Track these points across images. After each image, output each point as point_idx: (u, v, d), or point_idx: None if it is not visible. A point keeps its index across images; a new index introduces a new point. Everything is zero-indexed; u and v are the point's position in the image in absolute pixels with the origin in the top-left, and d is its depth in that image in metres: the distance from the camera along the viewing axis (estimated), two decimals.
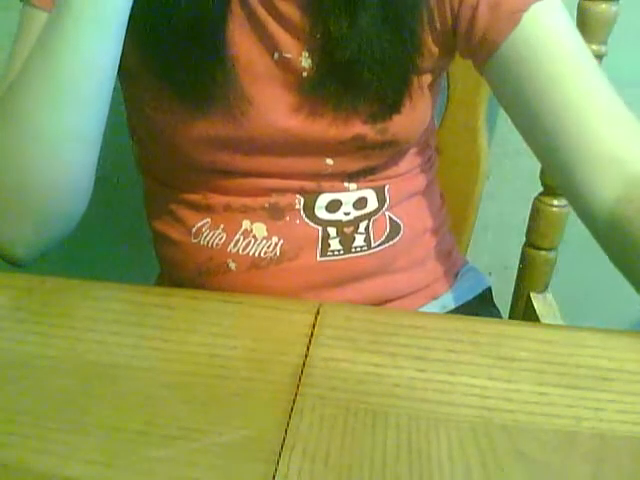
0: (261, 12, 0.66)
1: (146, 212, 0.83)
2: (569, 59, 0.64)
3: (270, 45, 0.67)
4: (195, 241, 0.75)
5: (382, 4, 0.64)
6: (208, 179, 0.73)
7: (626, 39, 0.95)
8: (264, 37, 0.67)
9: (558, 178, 0.69)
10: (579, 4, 0.81)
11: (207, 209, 0.74)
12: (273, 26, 0.66)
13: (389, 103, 0.68)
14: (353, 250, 0.75)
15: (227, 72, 0.66)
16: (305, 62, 0.67)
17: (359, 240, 0.75)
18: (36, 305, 0.60)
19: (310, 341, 0.56)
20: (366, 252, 0.76)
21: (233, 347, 0.55)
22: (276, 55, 0.67)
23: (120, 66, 0.64)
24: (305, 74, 0.67)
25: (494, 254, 1.24)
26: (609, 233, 0.64)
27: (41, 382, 0.51)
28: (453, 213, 0.90)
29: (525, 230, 0.97)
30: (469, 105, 0.96)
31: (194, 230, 0.75)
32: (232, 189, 0.73)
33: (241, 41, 0.66)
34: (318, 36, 0.65)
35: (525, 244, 0.97)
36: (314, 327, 0.58)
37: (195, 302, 0.62)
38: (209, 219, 0.75)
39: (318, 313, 0.59)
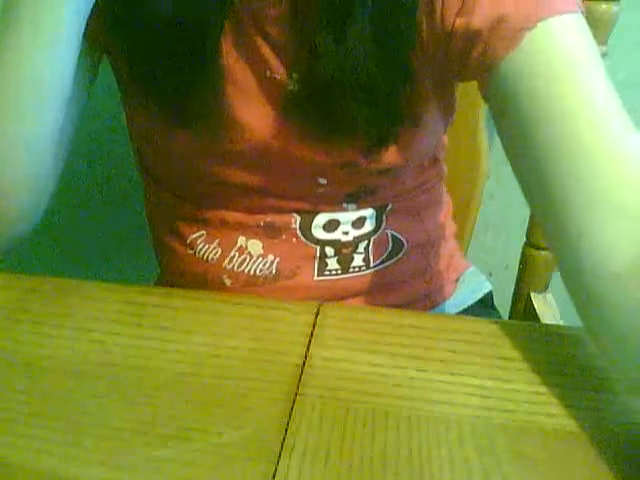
0: (253, 34, 0.64)
1: (146, 215, 0.83)
2: (574, 90, 0.53)
3: (261, 65, 0.65)
4: (191, 252, 0.75)
5: (372, 22, 0.58)
6: (201, 189, 0.72)
7: (627, 39, 0.95)
8: (256, 58, 0.64)
9: (554, 231, 0.55)
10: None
11: (203, 222, 0.74)
12: (265, 48, 0.64)
13: (379, 135, 0.65)
14: (351, 270, 0.75)
15: (216, 88, 0.64)
16: (294, 85, 0.64)
17: (358, 260, 0.75)
18: (37, 305, 0.60)
19: (310, 341, 0.56)
20: (365, 272, 0.75)
21: (233, 347, 0.55)
22: (268, 72, 0.64)
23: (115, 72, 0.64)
24: (292, 97, 0.65)
25: (494, 254, 1.24)
26: (619, 302, 0.48)
27: (42, 382, 0.51)
28: (454, 213, 0.90)
29: (525, 230, 0.97)
30: (469, 105, 0.96)
31: (189, 241, 0.75)
32: (226, 203, 0.72)
33: (233, 60, 0.64)
34: (306, 57, 0.61)
35: (525, 244, 0.97)
36: (314, 327, 0.58)
37: (195, 302, 0.62)
38: (204, 232, 0.74)
39: (318, 313, 0.59)
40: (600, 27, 0.79)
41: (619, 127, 0.52)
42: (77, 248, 1.33)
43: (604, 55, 0.81)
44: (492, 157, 1.01)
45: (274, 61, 0.64)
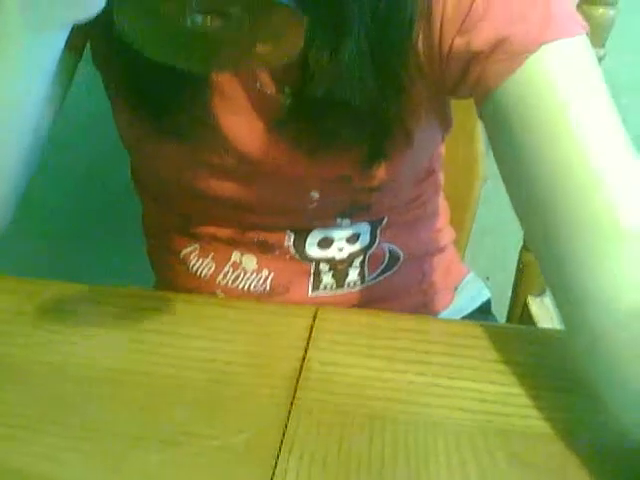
0: None
1: (142, 227, 0.83)
2: (568, 117, 0.50)
3: (251, 78, 0.63)
4: (184, 267, 0.75)
5: (368, 39, 0.56)
6: (192, 203, 0.71)
7: (625, 43, 0.95)
8: (245, 71, 0.62)
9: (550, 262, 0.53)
10: (577, 8, 0.81)
11: (195, 236, 0.73)
12: None
13: (371, 151, 0.63)
14: (346, 285, 0.74)
15: (203, 101, 0.62)
16: (285, 99, 0.62)
17: (353, 275, 0.74)
18: (37, 310, 0.60)
19: (308, 345, 0.56)
20: (360, 286, 0.75)
21: (232, 351, 0.55)
22: (258, 85, 0.62)
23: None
24: (283, 110, 0.62)
25: (492, 258, 1.24)
26: (618, 340, 0.46)
27: (41, 386, 0.51)
28: (451, 218, 0.90)
29: (522, 234, 0.97)
30: (466, 109, 0.96)
31: (182, 255, 0.74)
32: (218, 219, 0.71)
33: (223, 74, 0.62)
34: (298, 72, 0.59)
35: (522, 248, 0.97)
36: (312, 331, 0.58)
37: (194, 307, 0.62)
38: (197, 245, 0.74)
39: (316, 317, 0.59)
40: (597, 31, 0.79)
41: (614, 153, 0.50)
42: (76, 252, 1.33)
43: (601, 59, 0.81)
44: (489, 161, 1.01)
45: (264, 75, 0.62)
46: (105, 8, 0.45)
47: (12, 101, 0.55)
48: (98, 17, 0.47)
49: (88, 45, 0.66)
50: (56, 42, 0.52)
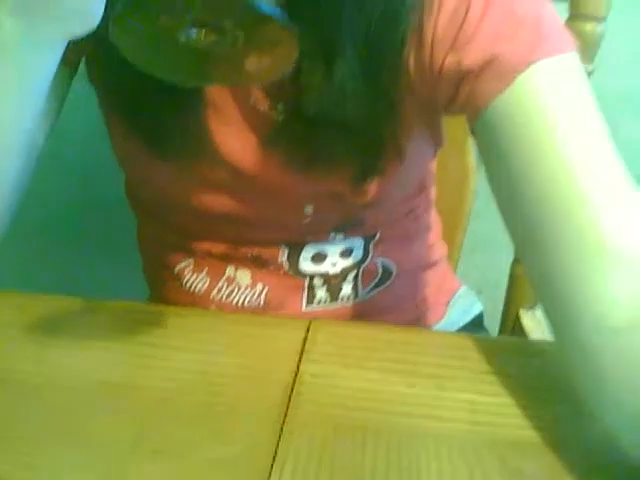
0: None
1: (137, 239, 0.83)
2: (558, 137, 0.50)
3: (245, 94, 0.63)
4: (178, 284, 0.75)
5: (360, 58, 0.57)
6: (185, 219, 0.72)
7: (613, 58, 0.96)
8: (239, 86, 0.63)
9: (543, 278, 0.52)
10: (565, 24, 0.82)
11: (189, 252, 0.73)
12: None
13: (363, 168, 0.63)
14: (340, 300, 0.75)
15: (197, 115, 0.63)
16: (278, 115, 0.62)
17: (346, 289, 0.75)
18: (32, 322, 0.60)
19: (301, 357, 0.56)
20: (354, 300, 0.75)
21: (224, 364, 0.55)
22: (251, 100, 0.63)
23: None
24: (276, 126, 0.63)
25: (483, 272, 1.24)
26: (620, 352, 0.45)
27: (33, 399, 0.51)
28: (443, 232, 0.90)
29: (514, 247, 0.97)
30: (458, 124, 0.97)
31: (176, 271, 0.74)
32: (212, 234, 0.72)
33: (216, 88, 0.63)
34: (291, 89, 0.59)
35: (514, 261, 0.98)
36: (305, 343, 0.58)
37: (187, 319, 0.62)
38: (191, 260, 0.74)
39: (309, 329, 0.60)
40: (586, 46, 0.80)
41: (601, 172, 0.49)
42: (71, 266, 1.33)
43: (590, 74, 0.82)
44: (480, 175, 1.01)
45: (258, 91, 0.62)
46: (101, 23, 0.45)
47: (7, 115, 0.55)
48: (94, 32, 0.47)
49: (83, 60, 0.66)
50: (52, 57, 0.52)
